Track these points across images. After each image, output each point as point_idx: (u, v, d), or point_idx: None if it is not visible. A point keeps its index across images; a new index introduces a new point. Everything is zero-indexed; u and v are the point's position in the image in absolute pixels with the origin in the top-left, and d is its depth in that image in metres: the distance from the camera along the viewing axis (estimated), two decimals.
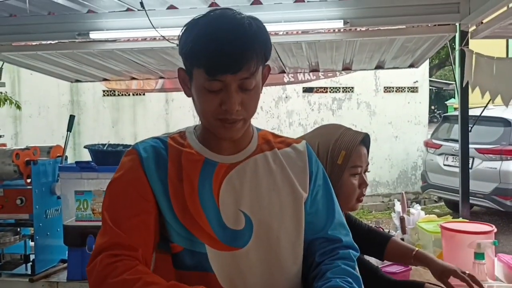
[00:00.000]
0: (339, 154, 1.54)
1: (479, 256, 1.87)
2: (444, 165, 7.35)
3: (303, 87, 8.79)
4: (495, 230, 1.96)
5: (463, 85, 2.53)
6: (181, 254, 1.19)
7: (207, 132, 1.23)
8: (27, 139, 7.72)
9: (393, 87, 9.05)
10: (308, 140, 1.56)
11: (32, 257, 2.42)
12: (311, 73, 4.56)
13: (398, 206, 2.51)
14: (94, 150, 2.39)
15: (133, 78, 3.92)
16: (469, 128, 2.72)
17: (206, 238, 1.18)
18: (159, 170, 1.19)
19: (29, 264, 2.40)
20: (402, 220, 2.38)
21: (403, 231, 2.36)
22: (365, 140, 1.59)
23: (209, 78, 1.11)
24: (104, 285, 1.08)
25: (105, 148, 2.45)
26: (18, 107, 6.25)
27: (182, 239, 1.18)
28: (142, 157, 1.20)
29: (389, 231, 2.53)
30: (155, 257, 1.23)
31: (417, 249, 1.71)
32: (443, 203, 8.39)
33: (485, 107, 3.17)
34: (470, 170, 6.89)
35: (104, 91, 8.17)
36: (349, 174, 1.56)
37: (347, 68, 3.74)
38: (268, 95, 8.57)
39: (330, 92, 8.94)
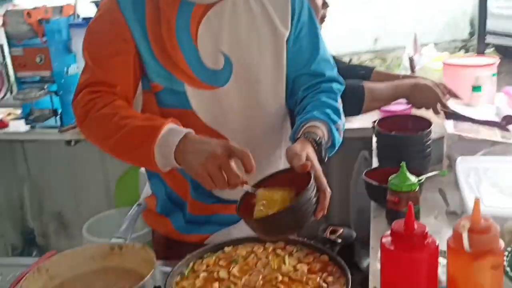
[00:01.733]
0: None
1: (476, 88, 1.85)
2: (496, 7, 6.84)
3: None
4: (497, 62, 1.90)
5: None
6: (162, 93, 1.27)
7: None
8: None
9: None
10: None
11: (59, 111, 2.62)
12: None
13: (409, 46, 2.45)
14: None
15: None
16: None
17: (184, 77, 1.24)
18: (136, 11, 1.23)
19: (58, 117, 2.60)
20: (411, 60, 2.33)
21: (412, 70, 2.33)
22: None
23: None
24: (86, 119, 1.20)
25: None
26: None
27: (162, 79, 1.25)
28: None
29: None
30: (143, 96, 1.31)
31: (403, 73, 1.73)
32: (493, 48, 7.97)
33: None
34: None
35: None
36: None
37: None
38: None
39: None
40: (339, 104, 1.30)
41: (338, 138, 1.26)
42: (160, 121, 1.13)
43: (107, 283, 1.14)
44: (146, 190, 1.51)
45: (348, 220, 2.48)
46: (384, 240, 0.76)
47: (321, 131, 1.19)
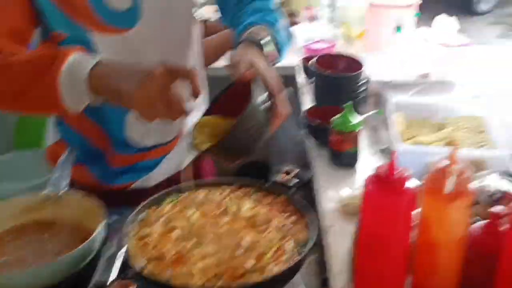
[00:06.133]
0: None
1: (399, 29, 1.91)
2: None
3: None
4: (420, 1, 1.98)
5: None
6: (64, 43, 1.08)
7: None
8: None
9: None
10: None
11: None
12: None
13: None
14: None
15: None
16: None
17: (87, 20, 1.07)
18: None
19: None
20: None
21: None
22: None
23: None
24: None
25: None
26: None
27: (62, 26, 1.07)
28: None
29: None
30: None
31: None
32: None
33: None
34: None
35: None
36: None
37: None
38: None
39: None
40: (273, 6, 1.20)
41: (284, 40, 1.13)
42: (63, 48, 0.96)
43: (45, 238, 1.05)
44: (53, 134, 1.31)
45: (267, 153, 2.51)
46: (368, 183, 0.77)
47: (264, 32, 1.07)
